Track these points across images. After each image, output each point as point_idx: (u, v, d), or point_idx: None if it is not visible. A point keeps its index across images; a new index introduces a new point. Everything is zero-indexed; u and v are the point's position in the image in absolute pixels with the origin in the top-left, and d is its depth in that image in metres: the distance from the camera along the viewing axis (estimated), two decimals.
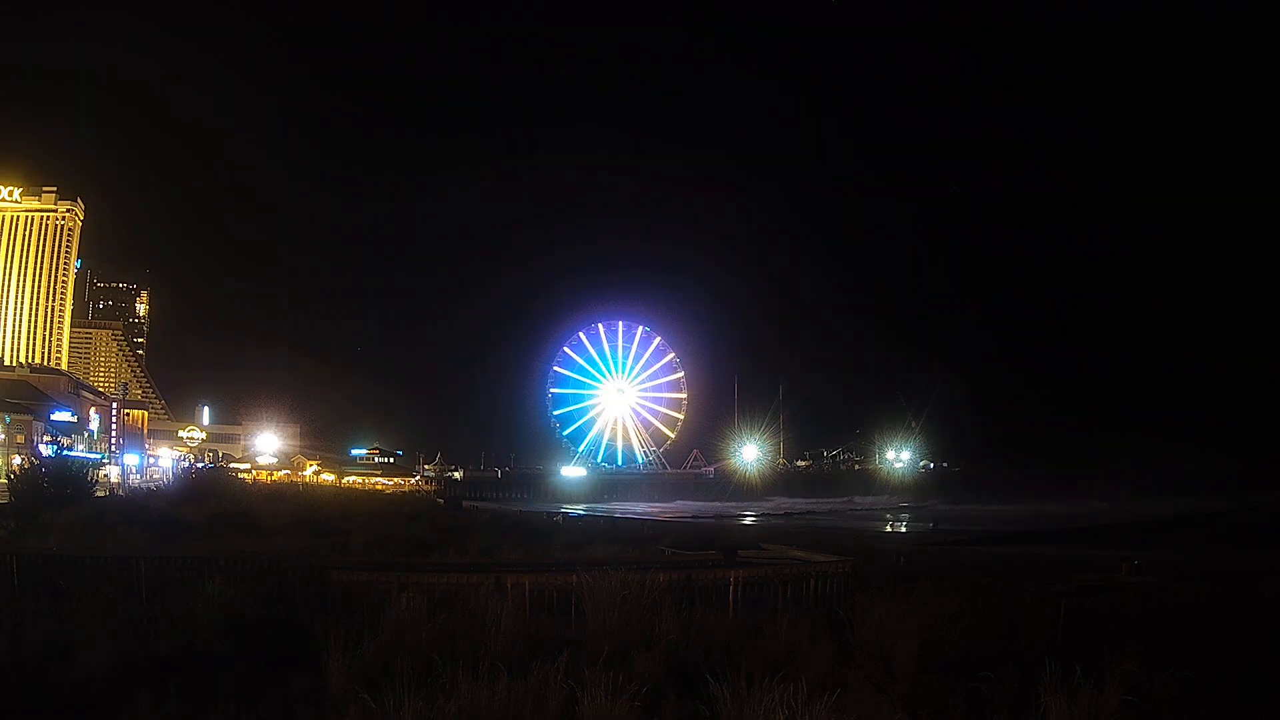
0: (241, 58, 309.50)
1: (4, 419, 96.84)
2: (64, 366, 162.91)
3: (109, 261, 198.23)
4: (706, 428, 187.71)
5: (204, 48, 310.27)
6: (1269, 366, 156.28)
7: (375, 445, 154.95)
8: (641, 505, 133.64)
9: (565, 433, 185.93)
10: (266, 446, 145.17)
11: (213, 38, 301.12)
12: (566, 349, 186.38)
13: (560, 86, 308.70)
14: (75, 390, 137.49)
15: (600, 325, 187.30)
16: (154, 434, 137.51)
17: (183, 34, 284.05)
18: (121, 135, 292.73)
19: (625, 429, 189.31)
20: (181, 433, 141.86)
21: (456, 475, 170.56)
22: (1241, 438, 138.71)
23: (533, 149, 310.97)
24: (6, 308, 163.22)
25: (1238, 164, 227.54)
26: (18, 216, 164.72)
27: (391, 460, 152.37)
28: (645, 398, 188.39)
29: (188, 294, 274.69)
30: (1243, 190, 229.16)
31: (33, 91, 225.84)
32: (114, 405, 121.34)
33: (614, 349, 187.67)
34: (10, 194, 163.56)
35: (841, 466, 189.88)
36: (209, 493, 48.75)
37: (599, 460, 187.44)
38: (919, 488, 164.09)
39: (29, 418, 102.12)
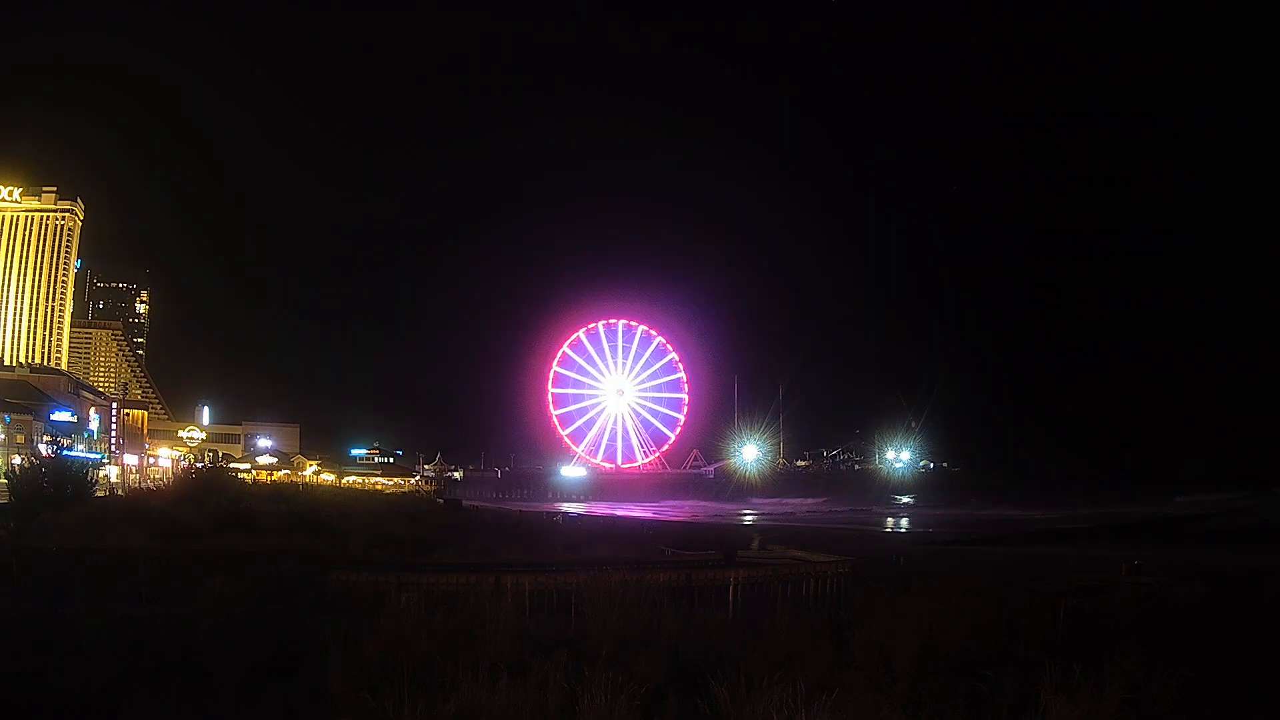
0: (238, 54, 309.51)
1: (4, 419, 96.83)
2: (64, 366, 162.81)
3: (109, 261, 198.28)
4: (706, 428, 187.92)
5: (202, 46, 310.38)
6: (1267, 365, 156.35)
7: (375, 445, 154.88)
8: (641, 505, 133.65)
9: (565, 432, 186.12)
10: (266, 446, 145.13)
11: (210, 36, 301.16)
12: (567, 349, 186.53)
13: (566, 79, 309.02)
14: (75, 390, 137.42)
15: (601, 325, 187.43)
16: (154, 434, 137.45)
17: (181, 33, 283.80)
18: (122, 135, 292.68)
19: (625, 429, 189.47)
20: (181, 433, 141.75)
21: (456, 475, 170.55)
22: (1241, 437, 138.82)
23: (534, 148, 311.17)
24: (6, 308, 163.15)
25: (1236, 164, 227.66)
26: (18, 216, 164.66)
27: (391, 460, 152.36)
28: (645, 398, 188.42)
29: (188, 294, 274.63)
30: (1244, 191, 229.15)
31: (33, 91, 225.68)
32: (114, 405, 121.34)
33: (614, 349, 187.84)
34: (10, 194, 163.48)
35: (841, 466, 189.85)
36: (209, 493, 48.72)
37: (599, 460, 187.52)
38: (919, 488, 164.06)
39: (29, 418, 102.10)
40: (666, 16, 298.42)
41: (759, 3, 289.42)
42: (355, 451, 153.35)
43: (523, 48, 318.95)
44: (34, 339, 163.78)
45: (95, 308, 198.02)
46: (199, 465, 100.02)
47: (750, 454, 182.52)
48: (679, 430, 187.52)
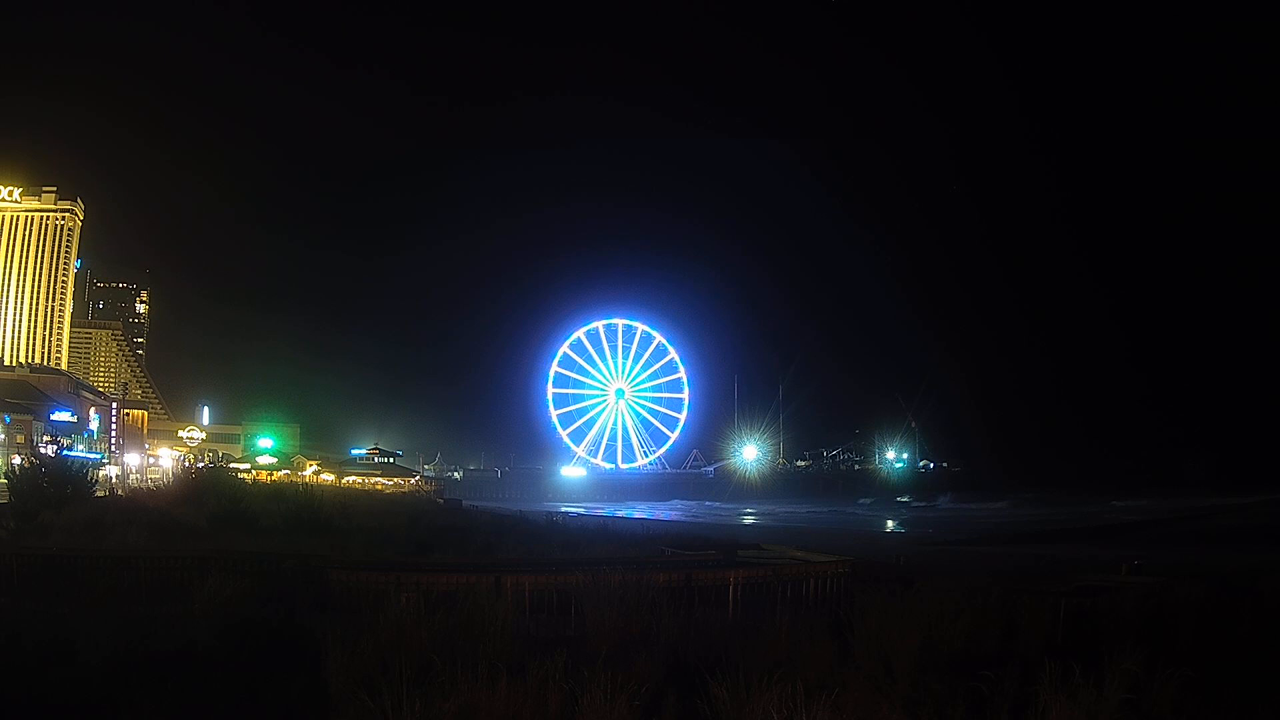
0: (239, 54, 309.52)
1: (4, 419, 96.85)
2: (64, 366, 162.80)
3: (109, 261, 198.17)
4: (706, 428, 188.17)
5: (202, 46, 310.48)
6: (1266, 364, 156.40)
7: (375, 445, 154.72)
8: (641, 505, 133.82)
9: (566, 432, 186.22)
10: (266, 446, 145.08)
11: (210, 36, 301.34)
12: (567, 349, 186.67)
13: (562, 75, 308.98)
14: (75, 390, 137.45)
15: (601, 325, 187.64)
16: (154, 434, 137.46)
17: (181, 33, 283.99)
18: (122, 134, 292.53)
19: (625, 429, 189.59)
20: (181, 433, 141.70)
21: (456, 475, 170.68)
22: (1240, 436, 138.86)
23: (532, 149, 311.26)
24: (6, 308, 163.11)
25: (1239, 163, 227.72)
26: (18, 216, 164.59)
27: (391, 460, 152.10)
28: (645, 398, 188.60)
29: (188, 293, 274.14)
30: (1245, 190, 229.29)
31: (33, 90, 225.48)
32: (114, 405, 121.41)
33: (614, 349, 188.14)
34: (10, 194, 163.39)
35: (841, 466, 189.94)
36: (209, 493, 48.61)
37: (599, 460, 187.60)
38: (919, 487, 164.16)
39: (29, 418, 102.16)
40: (665, 20, 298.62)
41: (759, 3, 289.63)
42: (355, 451, 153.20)
43: (520, 51, 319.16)
44: (34, 339, 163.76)
45: (95, 308, 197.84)
46: (199, 465, 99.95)
47: (750, 454, 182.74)
48: (679, 430, 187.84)
